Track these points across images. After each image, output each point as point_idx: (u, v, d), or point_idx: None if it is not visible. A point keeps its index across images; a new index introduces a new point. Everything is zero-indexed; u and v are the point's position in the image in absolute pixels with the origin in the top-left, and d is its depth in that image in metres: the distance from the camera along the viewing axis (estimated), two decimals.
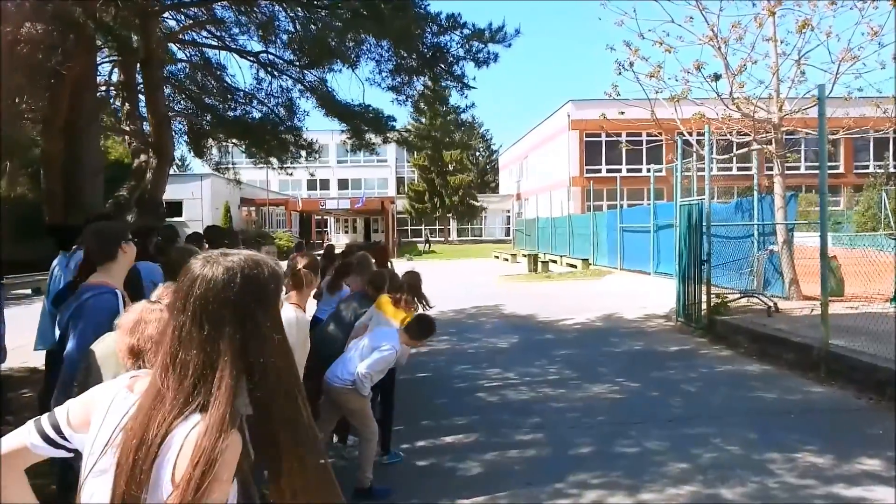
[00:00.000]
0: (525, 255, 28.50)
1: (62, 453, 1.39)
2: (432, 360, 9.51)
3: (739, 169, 23.41)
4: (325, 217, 56.74)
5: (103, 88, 10.82)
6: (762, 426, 5.97)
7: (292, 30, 9.62)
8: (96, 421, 1.33)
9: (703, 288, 10.78)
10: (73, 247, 4.50)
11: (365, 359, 4.66)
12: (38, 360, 6.23)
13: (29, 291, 19.77)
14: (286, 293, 3.96)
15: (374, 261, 7.83)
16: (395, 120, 11.46)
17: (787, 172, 11.92)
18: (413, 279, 5.52)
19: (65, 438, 1.37)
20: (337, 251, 9.54)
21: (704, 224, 10.76)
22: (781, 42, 12.07)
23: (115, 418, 1.30)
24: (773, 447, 5.38)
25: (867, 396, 6.77)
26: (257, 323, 1.29)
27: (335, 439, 5.63)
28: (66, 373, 3.04)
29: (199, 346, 1.24)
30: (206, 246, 7.18)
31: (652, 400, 7.10)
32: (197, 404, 1.23)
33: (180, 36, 10.35)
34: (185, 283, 1.29)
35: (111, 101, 10.56)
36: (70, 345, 3.41)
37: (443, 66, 9.74)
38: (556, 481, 4.84)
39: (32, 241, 11.33)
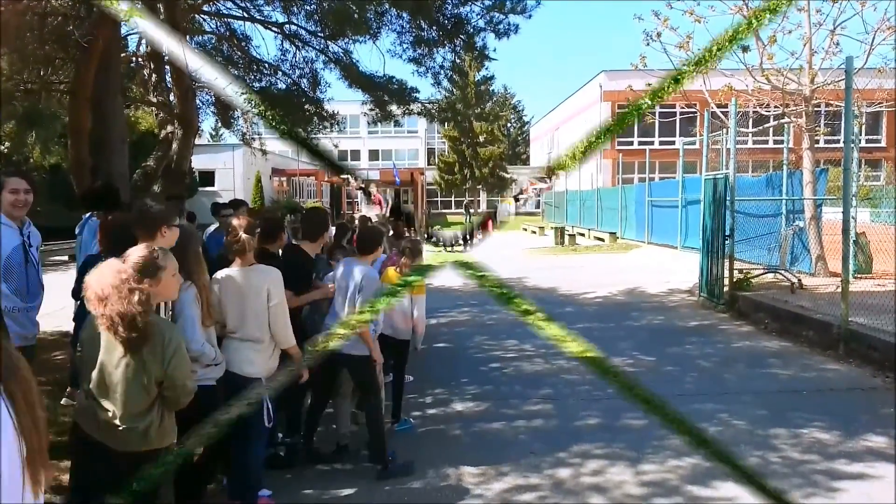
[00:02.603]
0: (553, 228, 28.34)
1: None
2: (451, 331, 9.64)
3: (776, 142, 22.84)
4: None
5: (133, 59, 11.01)
6: (773, 403, 5.97)
7: (314, 0, 9.65)
8: None
9: (726, 263, 10.66)
10: (86, 214, 4.63)
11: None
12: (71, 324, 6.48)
13: (66, 258, 20.34)
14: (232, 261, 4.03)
15: (391, 232, 7.98)
16: (418, 91, 11.46)
17: (825, 146, 11.59)
18: (414, 245, 5.60)
19: None
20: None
21: (728, 198, 10.60)
22: (818, 12, 11.70)
23: None
24: (780, 423, 5.38)
25: (884, 375, 6.69)
26: None
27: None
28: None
29: None
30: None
31: (665, 375, 7.12)
32: None
33: (205, 7, 10.43)
34: None
35: (139, 71, 10.72)
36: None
37: (463, 37, 9.70)
38: (560, 451, 4.94)
39: (69, 209, 11.67)
